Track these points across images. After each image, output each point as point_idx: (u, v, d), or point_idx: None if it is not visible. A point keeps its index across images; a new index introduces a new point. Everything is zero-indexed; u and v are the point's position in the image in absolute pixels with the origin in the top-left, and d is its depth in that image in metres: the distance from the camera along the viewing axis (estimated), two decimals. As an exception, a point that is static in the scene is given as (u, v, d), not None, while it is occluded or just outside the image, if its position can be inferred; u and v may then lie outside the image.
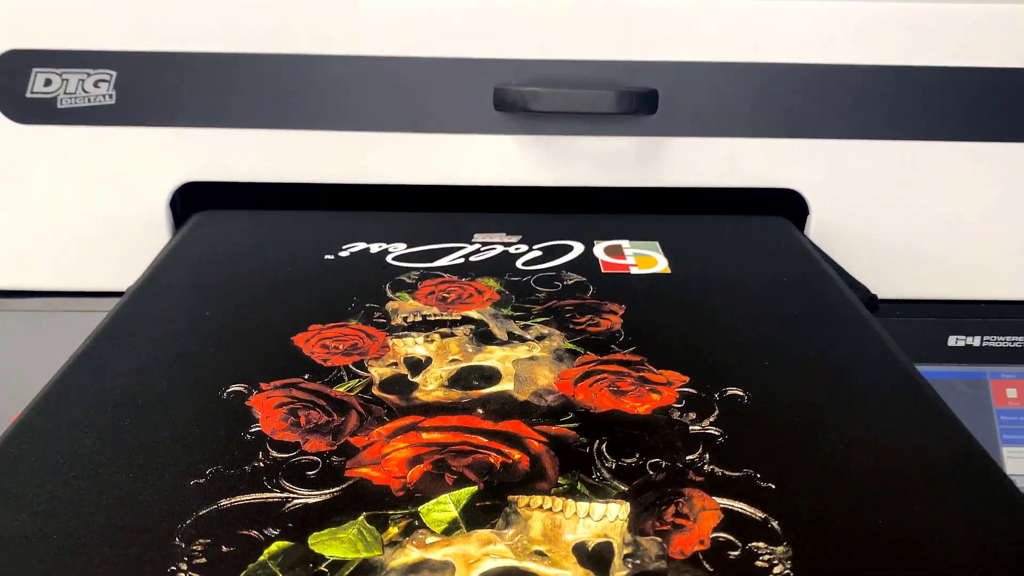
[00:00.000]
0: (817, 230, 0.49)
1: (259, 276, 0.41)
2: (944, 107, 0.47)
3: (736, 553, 0.23)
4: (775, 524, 0.24)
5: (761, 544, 0.24)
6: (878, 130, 0.48)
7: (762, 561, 0.23)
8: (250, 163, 0.48)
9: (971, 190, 0.48)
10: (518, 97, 0.46)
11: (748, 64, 0.47)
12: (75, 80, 0.46)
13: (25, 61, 0.46)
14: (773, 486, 0.26)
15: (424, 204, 0.52)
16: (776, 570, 0.23)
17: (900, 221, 0.49)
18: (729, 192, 0.49)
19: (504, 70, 0.46)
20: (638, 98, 0.46)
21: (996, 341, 0.49)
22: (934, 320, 0.50)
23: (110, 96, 0.47)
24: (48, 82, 0.46)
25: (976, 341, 0.49)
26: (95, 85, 0.47)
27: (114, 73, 0.46)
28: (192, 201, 0.49)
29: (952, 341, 0.49)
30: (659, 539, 0.24)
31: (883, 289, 0.49)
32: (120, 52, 0.46)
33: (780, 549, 0.23)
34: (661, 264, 0.43)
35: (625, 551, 0.23)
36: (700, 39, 0.47)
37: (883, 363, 0.34)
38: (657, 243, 0.44)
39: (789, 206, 0.49)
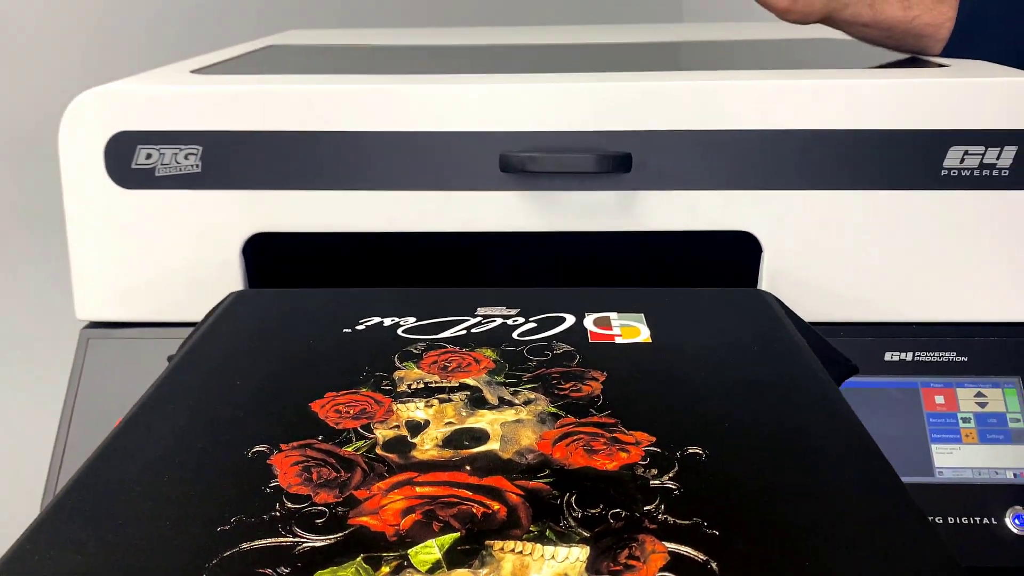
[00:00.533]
0: (769, 266, 0.59)
1: (284, 350, 0.47)
2: (865, 162, 0.57)
3: None
4: (714, 565, 0.28)
5: None
6: (817, 182, 0.58)
7: None
8: (304, 217, 0.60)
9: (896, 230, 0.58)
10: (518, 161, 0.57)
11: (706, 131, 0.57)
12: (169, 154, 0.59)
13: (131, 140, 0.59)
14: (717, 532, 0.30)
15: (439, 269, 0.63)
16: None
17: (840, 257, 0.59)
18: (693, 235, 0.59)
19: (507, 140, 0.58)
20: (614, 160, 0.57)
21: (925, 356, 0.58)
22: (872, 339, 0.59)
23: (196, 166, 0.59)
24: (148, 156, 0.59)
25: (908, 356, 0.58)
26: (185, 157, 0.59)
27: (200, 148, 0.59)
28: (259, 248, 0.61)
29: (888, 356, 0.58)
30: None
31: (828, 313, 0.59)
32: (204, 131, 0.59)
33: None
34: (644, 334, 0.47)
35: None
36: (665, 112, 0.57)
37: (837, 427, 0.38)
38: (642, 315, 0.50)
39: (745, 246, 0.59)
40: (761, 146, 0.58)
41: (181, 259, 0.60)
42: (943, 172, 0.57)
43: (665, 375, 0.43)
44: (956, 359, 0.58)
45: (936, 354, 0.58)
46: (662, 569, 0.28)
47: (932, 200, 0.58)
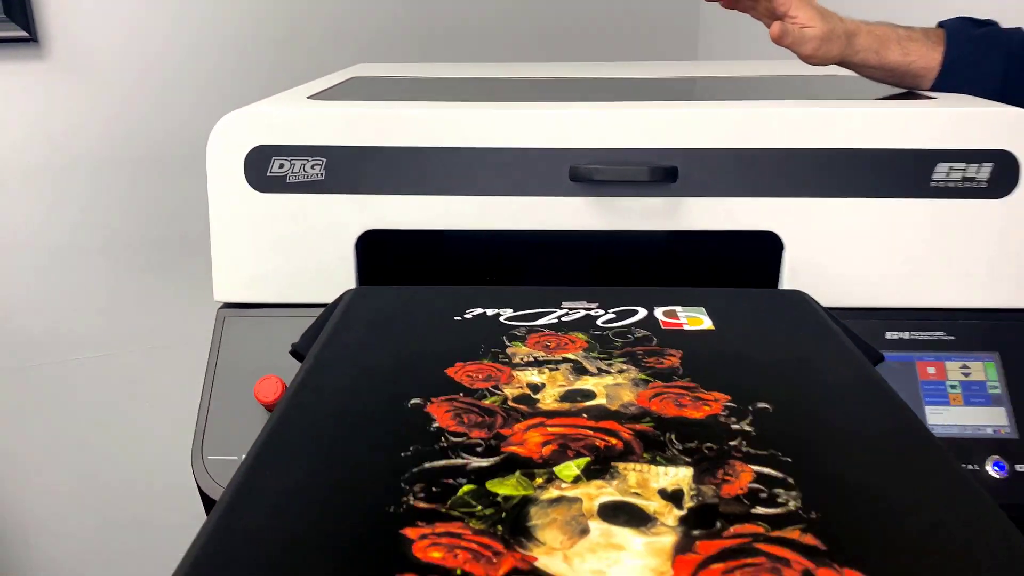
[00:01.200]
0: (790, 261, 0.72)
1: (409, 334, 0.56)
2: (869, 175, 0.70)
3: (764, 495, 0.36)
4: (790, 480, 0.37)
5: (780, 490, 0.37)
6: (831, 191, 0.71)
7: (781, 500, 0.36)
8: (407, 217, 0.72)
9: (894, 231, 0.71)
10: (585, 172, 0.70)
11: (738, 148, 0.70)
12: (299, 164, 0.72)
13: (267, 153, 0.72)
14: (790, 459, 0.39)
15: (516, 267, 0.76)
16: (791, 504, 0.36)
17: (849, 253, 0.71)
18: (727, 233, 0.72)
19: (576, 155, 0.71)
20: (663, 172, 0.69)
21: (920, 336, 0.71)
22: (876, 321, 0.71)
23: (320, 174, 0.72)
24: (281, 166, 0.72)
25: (906, 335, 0.71)
26: (312, 167, 0.72)
27: (324, 159, 0.72)
28: (369, 242, 0.73)
29: (888, 335, 0.71)
30: (714, 486, 0.37)
31: (838, 300, 0.71)
32: (327, 146, 0.72)
33: (793, 493, 0.37)
34: (707, 323, 0.57)
35: (691, 493, 0.37)
36: (704, 133, 0.70)
37: (869, 391, 0.48)
38: (703, 308, 0.60)
39: (771, 243, 0.72)
40: (784, 161, 0.70)
41: (304, 251, 0.73)
42: (932, 184, 0.70)
43: (731, 353, 0.53)
44: (945, 338, 0.71)
45: (928, 334, 0.71)
46: (752, 483, 0.37)
47: (924, 207, 0.70)
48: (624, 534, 0.34)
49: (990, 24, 0.82)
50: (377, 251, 0.74)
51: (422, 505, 0.36)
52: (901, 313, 0.72)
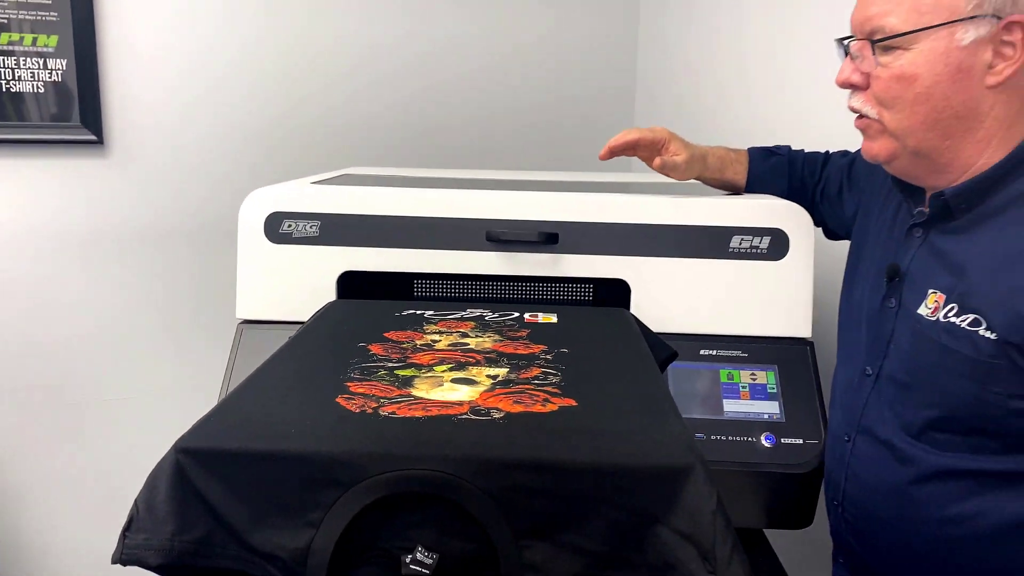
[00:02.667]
0: (635, 300, 1.04)
1: (365, 319, 0.88)
2: (690, 242, 1.03)
3: (540, 379, 0.69)
4: (558, 374, 0.70)
5: (551, 377, 0.69)
6: (664, 252, 1.03)
7: (549, 380, 0.69)
8: (374, 262, 1.05)
9: (706, 280, 1.03)
10: (496, 234, 1.03)
11: (601, 222, 1.04)
12: (301, 225, 1.05)
13: (280, 217, 1.05)
14: (564, 367, 0.72)
15: (448, 294, 1.08)
16: (552, 380, 0.69)
17: (676, 296, 1.04)
18: (592, 280, 1.04)
19: (491, 224, 1.04)
20: (549, 236, 1.03)
21: (723, 352, 1.02)
22: (694, 342, 1.02)
23: (316, 232, 1.05)
24: (289, 226, 1.05)
25: (714, 352, 1.02)
26: (310, 228, 1.05)
27: (319, 222, 1.05)
28: (346, 280, 1.06)
29: (702, 352, 1.02)
30: (516, 374, 0.70)
31: (669, 328, 1.03)
32: (321, 213, 1.05)
33: (558, 378, 0.68)
34: (554, 319, 0.91)
35: (503, 375, 0.70)
36: (579, 211, 1.04)
37: (636, 355, 0.78)
38: (556, 314, 0.94)
39: (622, 289, 1.04)
40: (632, 231, 1.04)
41: (301, 283, 1.05)
42: (730, 250, 1.03)
43: (561, 332, 0.87)
44: (740, 355, 1.02)
45: (729, 351, 1.02)
46: (536, 374, 0.71)
47: (725, 265, 1.03)
48: (460, 387, 0.66)
49: (779, 152, 1.17)
50: (351, 284, 1.07)
51: (356, 377, 0.68)
52: (711, 337, 1.03)
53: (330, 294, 1.05)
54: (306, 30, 1.80)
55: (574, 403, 0.64)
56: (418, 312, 0.92)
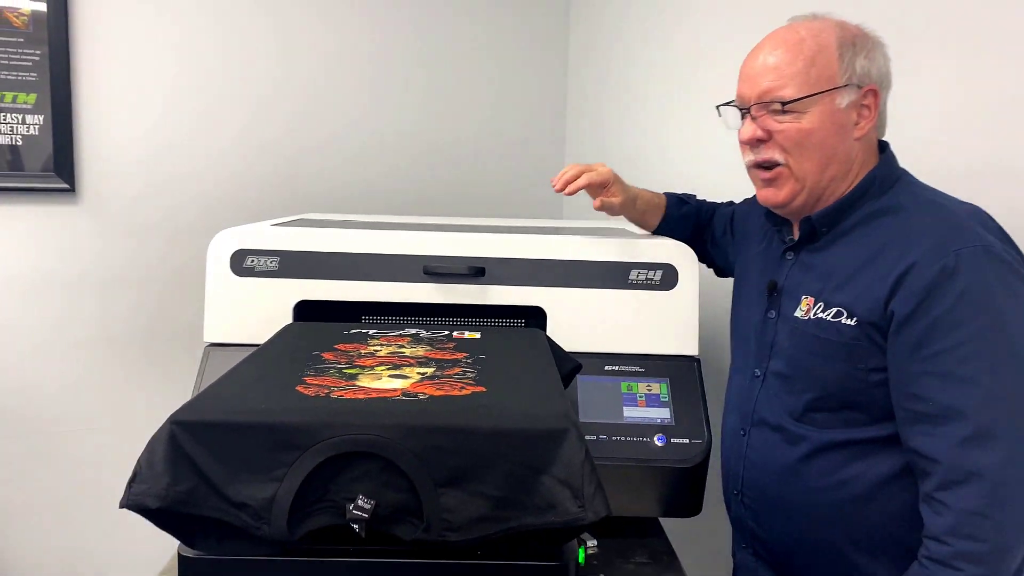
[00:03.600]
0: (551, 324, 1.22)
1: (317, 337, 1.05)
2: (596, 275, 1.22)
3: (460, 375, 0.89)
4: (473, 372, 0.94)
5: (468, 375, 0.90)
6: (575, 283, 1.22)
7: (467, 377, 0.91)
8: (326, 293, 1.22)
9: (609, 307, 1.22)
10: (433, 268, 1.21)
11: (522, 258, 1.22)
12: (262, 260, 1.22)
13: (244, 253, 1.22)
14: (480, 367, 0.90)
15: (391, 320, 1.25)
16: (469, 376, 0.89)
17: (584, 320, 1.22)
18: (514, 307, 1.22)
19: (427, 259, 1.22)
20: (477, 269, 1.21)
21: (624, 367, 1.20)
22: (600, 360, 1.21)
23: (275, 267, 1.22)
24: (252, 261, 1.22)
25: (616, 368, 1.20)
26: (270, 263, 1.22)
27: (278, 258, 1.22)
28: (302, 307, 1.22)
29: (607, 368, 1.20)
30: (441, 372, 0.89)
31: (579, 347, 1.21)
32: (280, 250, 1.22)
33: (473, 374, 0.92)
34: (477, 336, 1.09)
35: (430, 373, 0.90)
36: (503, 248, 1.23)
37: (541, 364, 0.96)
38: (479, 333, 1.12)
39: (540, 314, 1.23)
40: (548, 265, 1.23)
41: (263, 311, 1.21)
42: (629, 281, 1.23)
43: (481, 344, 1.05)
44: (638, 370, 1.21)
45: (629, 367, 1.21)
46: (457, 371, 0.89)
47: (625, 294, 1.22)
48: (395, 380, 0.83)
49: (689, 201, 1.38)
50: (306, 311, 1.23)
51: (311, 374, 0.84)
52: (614, 355, 1.22)
53: (288, 320, 1.22)
54: (266, 92, 1.99)
55: (484, 389, 0.82)
56: (364, 331, 1.09)
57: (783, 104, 1.01)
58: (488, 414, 0.75)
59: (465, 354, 0.97)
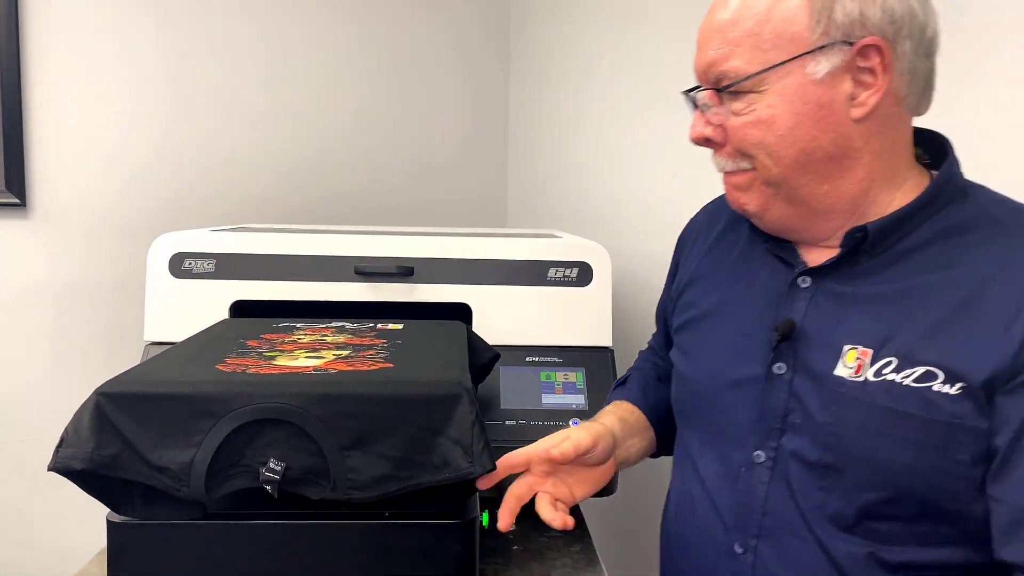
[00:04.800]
0: (476, 318, 1.30)
1: (245, 330, 1.11)
2: (519, 273, 1.31)
3: (374, 354, 1.02)
4: (385, 347, 1.03)
5: (382, 353, 1.02)
6: (499, 281, 1.30)
7: (379, 355, 1.01)
8: (260, 293, 1.29)
9: (530, 303, 1.30)
10: (364, 268, 1.28)
11: (449, 258, 1.30)
12: (199, 262, 1.28)
13: (182, 256, 1.28)
14: (395, 347, 1.04)
15: (323, 314, 1.33)
16: (382, 353, 1.00)
17: (506, 315, 1.30)
18: (441, 304, 1.30)
19: (359, 261, 1.29)
20: (406, 269, 1.29)
21: (542, 358, 1.28)
22: (521, 351, 1.29)
23: (212, 268, 1.29)
24: (189, 263, 1.28)
25: (536, 358, 1.28)
26: (207, 265, 1.29)
27: (215, 260, 1.29)
28: (238, 307, 1.29)
29: (527, 359, 1.28)
30: (356, 353, 1.02)
31: (502, 340, 1.29)
32: (216, 252, 1.29)
33: (385, 352, 1.01)
34: (400, 327, 1.17)
35: (344, 355, 1.01)
36: (431, 249, 1.31)
37: (455, 345, 1.06)
38: (402, 324, 1.20)
39: (466, 310, 1.31)
40: (473, 265, 1.31)
41: (201, 311, 1.28)
42: (548, 278, 1.31)
43: (401, 333, 1.13)
44: (556, 360, 1.29)
45: (548, 358, 1.29)
46: (370, 351, 0.96)
47: (544, 291, 1.31)
48: (310, 360, 0.90)
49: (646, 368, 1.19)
50: (242, 311, 1.30)
51: (233, 356, 0.91)
52: (534, 348, 1.30)
53: (225, 317, 1.28)
54: (212, 108, 2.06)
55: (391, 365, 0.89)
56: (292, 324, 1.16)
57: (729, 85, 0.74)
58: (389, 383, 0.82)
59: (383, 340, 1.05)
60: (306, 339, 1.05)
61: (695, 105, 0.80)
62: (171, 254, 1.29)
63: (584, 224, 1.95)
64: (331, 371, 0.86)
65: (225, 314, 1.29)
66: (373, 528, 0.82)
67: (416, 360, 0.94)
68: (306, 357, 0.93)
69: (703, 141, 0.81)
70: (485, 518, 0.93)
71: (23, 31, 1.86)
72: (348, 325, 1.17)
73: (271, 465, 0.78)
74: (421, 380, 0.84)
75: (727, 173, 0.81)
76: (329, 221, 2.12)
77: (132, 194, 1.99)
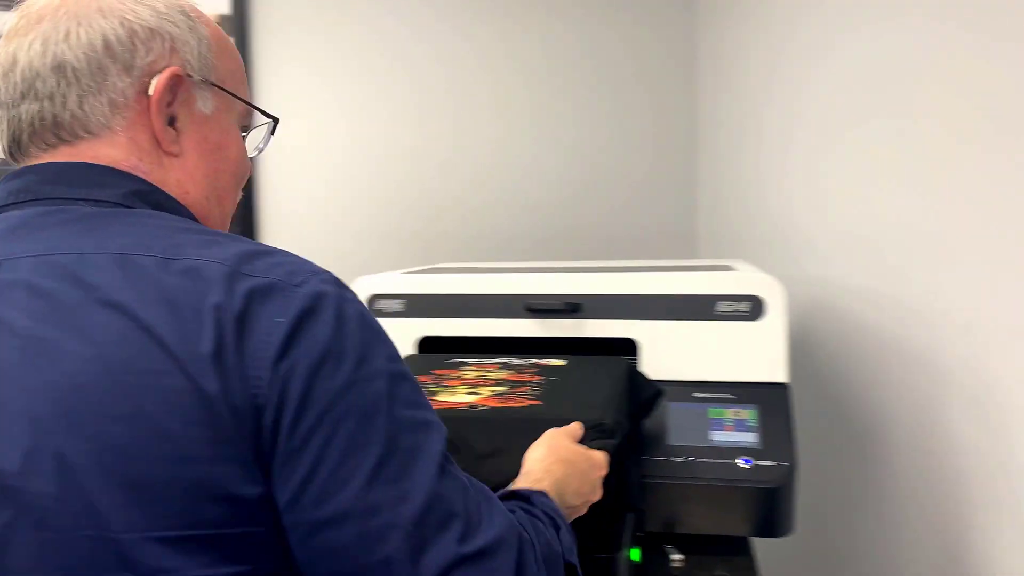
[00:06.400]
0: (644, 356, 1.32)
1: (430, 362, 1.26)
2: (686, 308, 1.31)
3: (535, 392, 1.07)
4: (544, 383, 1.08)
5: (537, 394, 1.07)
6: (664, 316, 1.32)
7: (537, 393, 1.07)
8: (444, 329, 1.39)
9: (697, 338, 1.30)
10: (534, 306, 1.35)
11: (615, 294, 1.34)
12: (392, 303, 1.42)
13: (377, 297, 1.42)
14: (551, 385, 1.09)
15: (499, 349, 1.41)
16: (534, 392, 1.05)
17: (673, 349, 1.31)
18: (608, 339, 1.33)
19: (529, 298, 1.36)
20: (574, 306, 1.34)
21: (713, 395, 1.27)
22: (689, 387, 1.28)
23: (403, 308, 1.41)
24: (382, 303, 1.42)
25: (704, 394, 1.28)
26: (398, 304, 1.42)
27: (404, 300, 1.41)
28: (425, 342, 1.40)
29: (695, 394, 1.28)
30: (515, 390, 1.09)
31: (668, 375, 1.29)
32: (406, 294, 1.42)
33: (536, 392, 1.06)
34: (563, 363, 1.24)
35: (506, 390, 1.07)
36: (598, 286, 1.35)
37: (603, 386, 1.13)
38: (567, 360, 1.27)
39: (632, 345, 1.33)
40: (640, 301, 1.33)
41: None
42: (716, 313, 1.30)
43: (562, 370, 1.17)
44: (728, 396, 1.27)
45: (717, 394, 1.27)
46: (528, 389, 1.02)
47: (713, 325, 1.30)
48: (467, 396, 0.98)
49: None
50: (428, 345, 1.42)
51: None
52: (703, 383, 1.29)
53: (412, 352, 1.40)
54: (404, 157, 2.25)
55: (539, 403, 0.94)
56: (464, 359, 1.25)
57: None
58: (527, 415, 0.88)
59: (541, 377, 1.10)
60: (471, 375, 1.13)
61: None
62: (368, 295, 1.43)
63: (779, 253, 1.89)
64: (482, 407, 0.93)
65: (413, 349, 1.41)
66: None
67: (566, 398, 0.98)
68: (465, 393, 1.00)
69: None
70: (636, 553, 0.95)
71: (252, 89, 2.16)
72: (513, 361, 1.24)
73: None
74: (556, 416, 0.88)
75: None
76: (521, 257, 2.22)
77: (341, 235, 2.22)
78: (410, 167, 2.24)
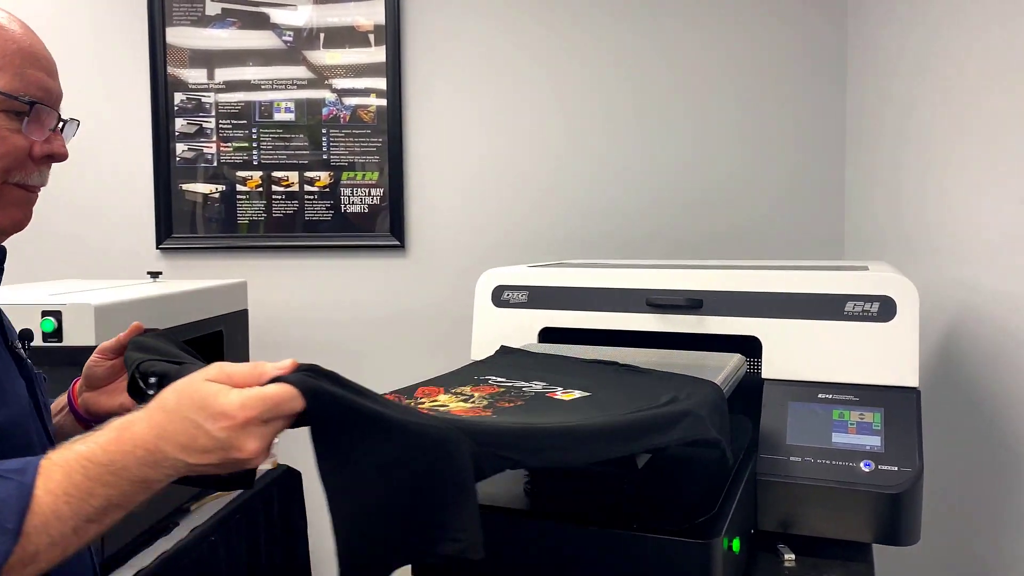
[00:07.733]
0: (766, 353, 1.29)
1: (508, 359, 1.28)
2: (812, 307, 1.28)
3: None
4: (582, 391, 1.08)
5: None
6: (790, 315, 1.29)
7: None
8: (565, 320, 1.43)
9: (825, 338, 1.26)
10: (655, 300, 1.36)
11: (737, 291, 1.33)
12: (516, 294, 1.47)
13: (502, 288, 1.48)
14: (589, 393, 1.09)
15: (618, 342, 1.42)
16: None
17: (798, 349, 1.28)
18: (729, 336, 1.32)
19: (649, 293, 1.38)
20: (695, 301, 1.34)
21: (836, 396, 1.23)
22: (813, 388, 1.25)
23: (525, 299, 1.46)
24: (507, 294, 1.48)
25: (829, 396, 1.24)
26: (521, 295, 1.47)
27: (528, 292, 1.46)
28: (546, 333, 1.44)
29: (820, 396, 1.25)
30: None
31: (790, 375, 1.27)
32: (528, 286, 1.46)
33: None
34: (580, 394, 1.24)
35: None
36: (719, 282, 1.34)
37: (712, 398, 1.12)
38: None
39: (755, 343, 1.31)
40: (763, 298, 1.31)
41: (514, 335, 1.46)
42: (845, 313, 1.26)
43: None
44: (852, 399, 1.23)
45: (842, 396, 1.23)
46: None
47: (841, 326, 1.26)
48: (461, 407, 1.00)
49: None
50: (549, 336, 1.45)
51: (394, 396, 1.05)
52: (828, 384, 1.25)
53: (533, 341, 1.45)
54: (549, 160, 2.30)
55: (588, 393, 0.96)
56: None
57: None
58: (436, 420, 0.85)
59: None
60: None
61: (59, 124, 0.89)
62: (493, 286, 1.49)
63: (926, 257, 1.79)
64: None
65: (535, 339, 1.45)
66: (612, 539, 0.89)
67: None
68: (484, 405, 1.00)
69: (61, 157, 0.89)
70: (736, 544, 0.95)
71: (404, 108, 2.28)
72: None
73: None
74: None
75: (29, 190, 0.88)
76: (651, 257, 2.22)
77: (484, 233, 2.30)
78: (557, 171, 2.30)
